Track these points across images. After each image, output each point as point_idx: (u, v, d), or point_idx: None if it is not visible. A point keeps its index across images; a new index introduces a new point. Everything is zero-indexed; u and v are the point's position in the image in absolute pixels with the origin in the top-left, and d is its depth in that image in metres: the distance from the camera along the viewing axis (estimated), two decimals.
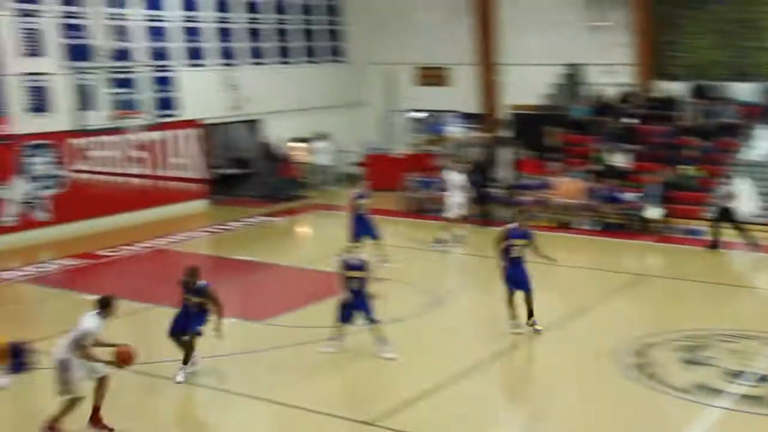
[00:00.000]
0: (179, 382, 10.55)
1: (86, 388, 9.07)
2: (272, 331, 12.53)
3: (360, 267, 11.36)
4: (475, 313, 13.71)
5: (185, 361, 10.66)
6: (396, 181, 21.74)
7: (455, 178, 17.74)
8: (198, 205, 21.92)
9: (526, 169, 20.67)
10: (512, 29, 24.47)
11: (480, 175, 19.91)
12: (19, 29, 17.93)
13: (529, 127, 24.06)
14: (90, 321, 8.94)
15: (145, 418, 9.81)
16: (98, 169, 19.56)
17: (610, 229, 18.82)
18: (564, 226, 19.19)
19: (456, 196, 17.56)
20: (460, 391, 10.30)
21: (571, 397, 10.22)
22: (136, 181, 20.45)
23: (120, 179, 20.05)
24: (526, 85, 24.05)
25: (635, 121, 21.47)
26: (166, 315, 13.24)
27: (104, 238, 16.56)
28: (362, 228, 15.45)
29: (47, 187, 18.58)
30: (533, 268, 12.29)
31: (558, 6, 23.76)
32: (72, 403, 9.00)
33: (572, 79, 23.56)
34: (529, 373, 11.15)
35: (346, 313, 11.39)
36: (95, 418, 9.23)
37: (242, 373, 11.04)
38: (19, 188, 18.02)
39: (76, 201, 18.58)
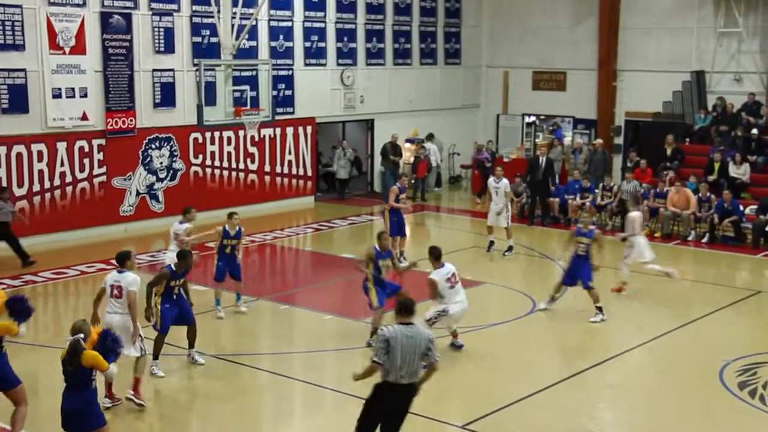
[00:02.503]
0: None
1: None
2: (368, 330, 12.65)
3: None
4: (573, 319, 13.46)
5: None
6: None
7: (499, 187, 17.18)
8: (306, 202, 22.37)
9: (641, 178, 20.11)
10: (635, 34, 23.91)
11: (538, 181, 20.06)
12: (153, 27, 18.77)
13: (646, 134, 23.49)
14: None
15: (242, 411, 10.09)
16: (213, 163, 20.26)
17: (723, 242, 18.18)
18: (675, 237, 18.67)
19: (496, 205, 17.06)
20: (558, 397, 10.18)
21: (673, 412, 9.94)
22: (248, 175, 21.05)
23: (233, 174, 20.70)
24: (647, 92, 23.50)
25: (757, 132, 20.56)
26: (268, 308, 13.76)
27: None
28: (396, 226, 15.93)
29: (164, 179, 19.38)
30: (646, 279, 12.01)
31: (685, 11, 23.04)
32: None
33: (695, 86, 22.77)
34: (632, 385, 10.87)
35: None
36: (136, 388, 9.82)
37: (337, 370, 11.22)
38: (139, 180, 18.84)
39: (190, 194, 19.27)
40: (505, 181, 17.20)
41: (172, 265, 10.85)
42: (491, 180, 17.41)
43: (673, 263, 17.10)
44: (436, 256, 11.36)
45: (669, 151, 20.99)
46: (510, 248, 16.98)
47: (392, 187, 16.75)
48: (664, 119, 23.12)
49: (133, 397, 9.73)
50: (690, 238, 18.56)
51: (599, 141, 22.54)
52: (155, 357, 10.69)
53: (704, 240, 18.41)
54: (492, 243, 17.20)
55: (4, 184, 16.62)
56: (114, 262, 10.33)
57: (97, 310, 9.89)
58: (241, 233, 13.33)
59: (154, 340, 10.66)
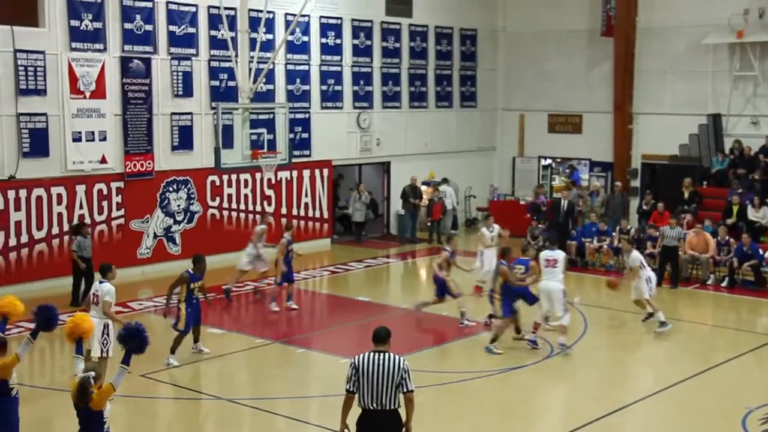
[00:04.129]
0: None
1: None
2: None
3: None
4: (590, 364, 13.31)
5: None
6: (522, 227, 21.50)
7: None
8: (323, 244, 22.38)
9: (658, 221, 20.01)
10: (651, 77, 24.00)
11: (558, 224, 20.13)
12: (171, 72, 19.02)
13: (663, 177, 23.44)
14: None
15: None
16: (230, 205, 20.34)
17: (743, 286, 18.02)
18: (694, 281, 18.52)
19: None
20: None
21: None
22: (264, 218, 21.04)
23: (250, 216, 20.76)
24: (663, 135, 23.51)
25: None
26: (284, 351, 13.70)
27: (230, 272, 17.11)
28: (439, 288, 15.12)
29: (181, 222, 19.46)
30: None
31: (700, 55, 23.09)
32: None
33: (712, 129, 22.76)
34: None
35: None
36: None
37: (353, 415, 11.11)
38: (156, 222, 18.93)
39: (207, 236, 19.32)
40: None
41: (190, 269, 12.50)
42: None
43: (692, 307, 17.01)
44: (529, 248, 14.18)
45: (686, 194, 20.91)
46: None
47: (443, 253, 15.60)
48: (680, 162, 23.08)
49: None
50: (709, 282, 18.41)
51: (618, 184, 22.51)
52: (172, 351, 12.45)
53: (723, 284, 18.25)
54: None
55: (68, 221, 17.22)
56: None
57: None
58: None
59: (175, 338, 12.46)
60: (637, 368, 13.66)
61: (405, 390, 7.54)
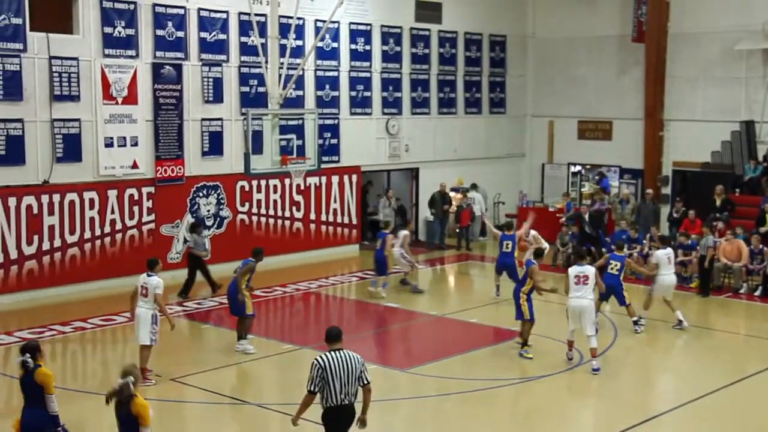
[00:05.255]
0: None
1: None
2: (413, 381, 12.57)
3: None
4: (620, 373, 13.20)
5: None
6: (552, 234, 21.39)
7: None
8: (351, 250, 22.42)
9: (690, 229, 19.81)
10: (682, 84, 23.77)
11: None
12: (202, 78, 19.19)
13: (695, 185, 23.22)
14: None
15: None
16: (259, 211, 20.45)
17: None
18: (726, 289, 18.31)
19: None
20: None
21: None
22: (293, 223, 21.21)
23: (279, 222, 20.86)
24: (695, 142, 23.28)
25: None
26: (312, 357, 13.66)
27: (259, 278, 17.17)
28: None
29: (211, 227, 19.60)
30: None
31: (732, 61, 22.85)
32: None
33: (745, 136, 22.51)
34: None
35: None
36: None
37: (380, 421, 11.11)
38: (186, 227, 19.05)
39: (236, 241, 19.43)
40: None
41: (252, 260, 13.74)
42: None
43: (725, 317, 16.81)
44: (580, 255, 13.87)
45: (718, 202, 20.68)
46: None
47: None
48: (712, 169, 22.85)
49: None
50: (741, 291, 18.19)
51: (649, 191, 22.32)
52: (245, 337, 13.50)
53: (757, 293, 18.01)
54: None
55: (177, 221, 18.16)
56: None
57: (134, 305, 12.00)
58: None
59: (245, 323, 13.51)
60: (668, 378, 13.51)
61: (364, 383, 8.12)
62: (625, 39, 24.54)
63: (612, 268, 15.10)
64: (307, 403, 8.15)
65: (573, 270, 13.09)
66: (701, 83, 23.53)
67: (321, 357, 8.07)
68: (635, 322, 15.03)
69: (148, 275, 12.06)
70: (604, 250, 19.87)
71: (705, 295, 17.87)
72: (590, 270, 13.05)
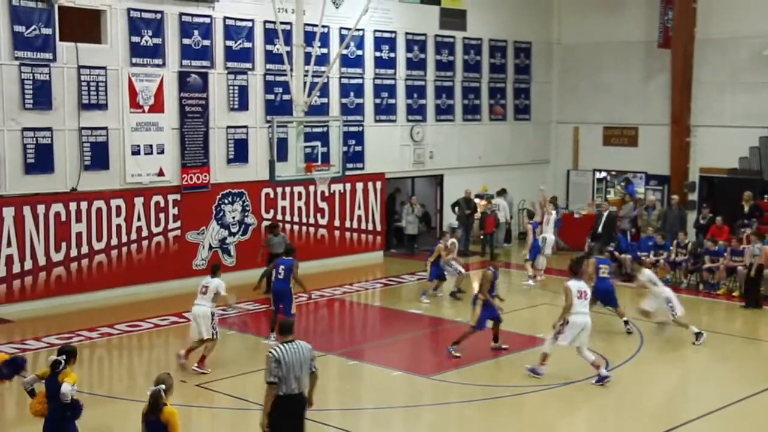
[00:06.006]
0: None
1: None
2: (437, 387, 12.55)
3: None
4: (645, 381, 13.10)
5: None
6: (578, 241, 21.27)
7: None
8: (376, 257, 22.45)
9: (718, 236, 19.61)
10: (709, 89, 23.57)
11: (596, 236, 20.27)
12: (228, 86, 19.34)
13: (722, 191, 23.01)
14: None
15: None
16: (284, 218, 20.54)
17: None
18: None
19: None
20: None
21: None
22: (318, 230, 21.28)
23: (303, 228, 20.95)
24: (722, 148, 23.06)
25: None
26: (337, 363, 13.76)
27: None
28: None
29: (236, 234, 19.71)
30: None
31: (760, 66, 22.60)
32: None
33: None
34: None
35: None
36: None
37: (404, 427, 11.12)
38: (211, 234, 19.20)
39: (260, 248, 19.52)
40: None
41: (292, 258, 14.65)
42: None
43: (755, 324, 16.60)
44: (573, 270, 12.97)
45: (746, 208, 20.48)
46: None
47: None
48: (740, 175, 22.63)
49: (197, 369, 12.64)
50: None
51: (676, 197, 22.16)
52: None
53: None
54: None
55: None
56: (185, 315, 11.54)
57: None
58: None
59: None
60: (692, 387, 13.38)
61: (312, 369, 8.60)
62: (651, 45, 24.39)
63: (602, 272, 15.32)
64: (270, 393, 8.42)
65: (574, 285, 12.66)
66: (729, 89, 23.32)
67: (275, 349, 8.44)
68: (626, 323, 15.23)
69: (212, 277, 13.17)
70: (627, 256, 19.74)
71: (757, 307, 17.20)
72: (586, 286, 12.84)
